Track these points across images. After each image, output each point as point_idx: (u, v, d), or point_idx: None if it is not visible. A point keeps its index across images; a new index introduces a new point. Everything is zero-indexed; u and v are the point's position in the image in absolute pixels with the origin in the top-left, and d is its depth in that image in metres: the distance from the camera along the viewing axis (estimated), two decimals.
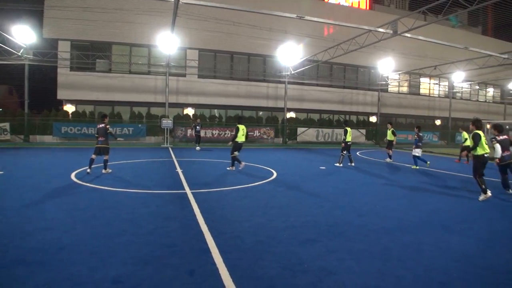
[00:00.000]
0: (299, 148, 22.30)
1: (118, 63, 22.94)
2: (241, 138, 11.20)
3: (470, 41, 28.51)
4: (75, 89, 22.28)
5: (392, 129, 15.50)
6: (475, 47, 19.88)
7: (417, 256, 4.42)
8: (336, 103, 28.34)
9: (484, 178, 8.07)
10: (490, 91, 38.37)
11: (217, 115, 25.49)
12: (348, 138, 13.21)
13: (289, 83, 25.50)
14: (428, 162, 13.34)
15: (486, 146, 8.11)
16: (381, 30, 16.25)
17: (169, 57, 21.99)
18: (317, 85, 27.30)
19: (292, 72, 24.27)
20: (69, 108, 22.57)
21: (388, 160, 15.51)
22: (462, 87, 35.54)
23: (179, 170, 10.73)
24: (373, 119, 30.18)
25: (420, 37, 17.43)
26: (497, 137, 8.73)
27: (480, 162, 8.03)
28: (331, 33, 26.03)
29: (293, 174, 10.93)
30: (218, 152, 17.13)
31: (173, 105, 23.40)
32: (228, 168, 11.28)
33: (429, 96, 33.66)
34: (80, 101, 22.73)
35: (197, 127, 18.70)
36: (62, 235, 4.69)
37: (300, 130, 25.57)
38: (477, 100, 37.35)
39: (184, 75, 24.02)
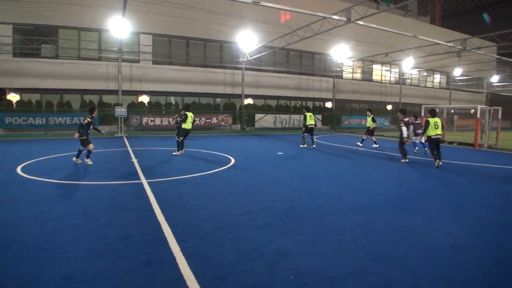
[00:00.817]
0: (257, 134, 22.48)
1: (66, 48, 21.61)
2: (188, 125, 11.71)
3: (419, 29, 29.79)
4: (19, 77, 20.73)
5: (372, 115, 16.28)
6: (424, 36, 20.84)
7: (369, 234, 4.65)
8: (293, 89, 28.73)
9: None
10: (437, 77, 40.60)
11: (173, 102, 24.92)
12: (309, 122, 14.73)
13: (246, 69, 25.46)
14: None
15: (437, 130, 10.21)
16: (335, 17, 16.55)
17: (121, 42, 21.06)
18: (274, 71, 27.45)
19: (249, 58, 24.19)
20: (13, 97, 21.03)
21: (374, 145, 16.07)
22: (411, 74, 37.25)
23: (134, 160, 10.44)
24: (328, 104, 30.95)
25: (373, 25, 17.98)
26: (404, 119, 11.35)
27: (431, 141, 10.34)
28: (288, 19, 26.17)
29: (251, 160, 11.01)
30: (174, 140, 16.79)
31: (126, 92, 22.54)
32: (174, 154, 11.56)
33: (381, 82, 35.01)
34: (25, 89, 21.20)
35: (179, 119, 18.05)
36: (8, 232, 4.42)
37: (258, 116, 25.72)
38: (425, 86, 39.38)
39: (137, 61, 23.15)
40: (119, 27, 17.96)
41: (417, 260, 3.93)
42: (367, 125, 16.58)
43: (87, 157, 9.67)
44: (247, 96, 26.29)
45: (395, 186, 7.91)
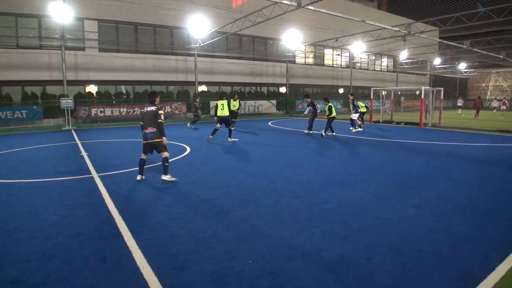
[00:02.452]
0: (212, 121, 22.19)
1: (2, 36, 19.88)
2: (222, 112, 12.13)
3: (367, 14, 30.76)
4: None
5: (353, 101, 16.70)
6: (371, 21, 21.53)
7: (324, 214, 4.84)
8: (247, 75, 28.64)
9: None
10: (385, 61, 42.25)
11: (124, 91, 23.92)
12: (220, 113, 12.77)
13: (199, 55, 24.93)
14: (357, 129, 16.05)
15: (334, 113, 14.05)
16: (286, 2, 16.61)
17: (63, 29, 19.75)
18: (227, 57, 27.15)
19: (201, 45, 23.70)
20: None
21: (353, 129, 16.50)
22: (361, 58, 38.48)
23: (84, 154, 9.96)
24: (282, 89, 31.28)
25: (323, 10, 18.27)
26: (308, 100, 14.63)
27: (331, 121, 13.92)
28: (240, 4, 25.87)
29: (207, 148, 10.93)
30: (127, 131, 16.26)
31: (72, 82, 21.27)
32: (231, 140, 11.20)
33: (332, 66, 35.84)
34: None
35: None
36: None
37: (212, 103, 25.44)
38: (374, 70, 40.89)
39: (83, 49, 21.85)
40: (61, 13, 16.81)
41: (369, 234, 4.15)
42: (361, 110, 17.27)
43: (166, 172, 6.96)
44: (200, 83, 25.85)
45: (349, 166, 8.23)
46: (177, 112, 23.60)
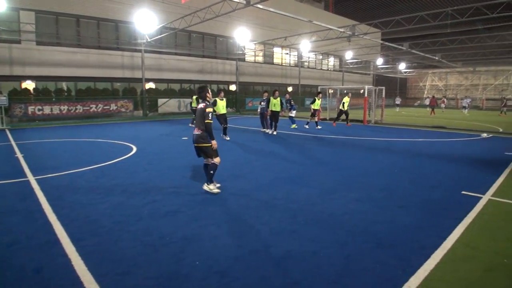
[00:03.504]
0: (161, 120, 21.70)
1: None
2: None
3: (314, 15, 31.61)
4: None
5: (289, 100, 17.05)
6: (318, 21, 22.17)
7: (272, 211, 4.90)
8: (196, 73, 28.23)
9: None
10: (331, 60, 43.75)
11: (65, 88, 22.50)
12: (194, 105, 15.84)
13: (146, 51, 24.11)
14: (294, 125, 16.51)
15: (276, 107, 13.56)
16: None
17: None
18: (176, 54, 26.56)
19: (149, 40, 22.93)
20: None
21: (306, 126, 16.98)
22: (309, 57, 39.52)
23: (19, 155, 9.23)
24: (232, 87, 31.25)
25: (271, 9, 18.52)
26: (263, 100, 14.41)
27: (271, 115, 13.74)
28: (188, 0, 25.38)
29: (154, 147, 10.62)
30: (68, 130, 15.34)
31: (7, 78, 19.62)
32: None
33: (281, 65, 36.44)
34: None
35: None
36: None
37: (160, 101, 24.78)
38: (321, 69, 42.18)
39: (18, 42, 20.20)
40: None
41: (314, 229, 4.28)
42: (314, 107, 17.26)
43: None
44: (148, 80, 25.04)
45: (297, 162, 8.42)
46: (123, 110, 22.67)
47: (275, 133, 13.79)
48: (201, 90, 5.78)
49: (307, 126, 16.85)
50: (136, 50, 23.92)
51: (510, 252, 3.75)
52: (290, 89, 37.29)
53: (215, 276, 3.15)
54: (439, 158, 9.27)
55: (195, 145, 5.64)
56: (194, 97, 16.54)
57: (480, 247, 3.87)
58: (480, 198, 5.65)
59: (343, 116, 18.44)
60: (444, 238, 4.04)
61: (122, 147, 10.48)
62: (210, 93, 5.81)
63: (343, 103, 18.01)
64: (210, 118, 5.50)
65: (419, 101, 54.22)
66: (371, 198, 5.58)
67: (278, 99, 13.67)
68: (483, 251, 3.76)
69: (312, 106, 17.19)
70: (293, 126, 16.47)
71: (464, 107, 33.16)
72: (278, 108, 13.65)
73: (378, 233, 4.20)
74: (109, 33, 23.52)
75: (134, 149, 10.09)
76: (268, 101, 14.07)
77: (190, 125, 17.18)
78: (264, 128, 14.79)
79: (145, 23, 20.77)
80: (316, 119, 17.43)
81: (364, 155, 9.76)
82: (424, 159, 9.16)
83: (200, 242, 3.87)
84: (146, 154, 9.39)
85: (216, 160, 5.65)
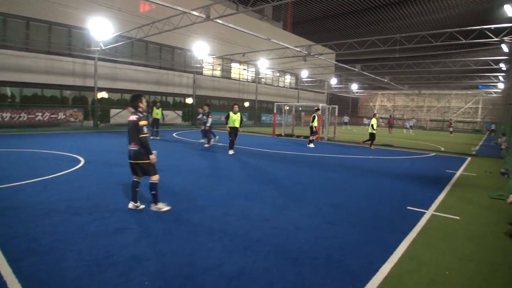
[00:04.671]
0: (113, 131, 20.89)
1: None
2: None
3: (273, 33, 32.24)
4: None
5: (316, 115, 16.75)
6: (276, 39, 22.72)
7: (225, 227, 4.84)
8: (152, 84, 27.67)
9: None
10: (288, 78, 44.86)
11: (9, 94, 21.02)
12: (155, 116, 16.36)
13: (100, 59, 23.27)
14: (217, 137, 16.36)
15: (235, 123, 12.23)
16: (195, 13, 16.61)
17: None
18: (132, 63, 25.93)
19: (103, 48, 22.19)
20: None
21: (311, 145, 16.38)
22: (266, 74, 40.22)
23: None
24: (189, 100, 30.95)
25: (231, 25, 18.74)
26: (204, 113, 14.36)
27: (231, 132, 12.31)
28: (147, 10, 25.03)
29: (104, 159, 10.15)
30: (10, 140, 14.27)
31: None
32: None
33: (239, 80, 36.77)
34: None
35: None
36: None
37: (113, 111, 23.93)
38: (278, 86, 43.06)
39: None
40: None
41: (267, 245, 4.28)
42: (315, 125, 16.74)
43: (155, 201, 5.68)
44: (101, 89, 24.13)
45: (250, 178, 8.43)
46: (72, 119, 21.59)
47: (232, 152, 12.33)
48: (133, 98, 5.32)
49: (312, 145, 16.29)
50: (89, 58, 23.00)
51: (451, 264, 3.98)
52: (247, 104, 37.63)
53: None
54: (386, 175, 9.71)
55: (131, 161, 5.32)
56: (156, 108, 16.76)
57: (424, 260, 4.07)
58: (424, 213, 5.98)
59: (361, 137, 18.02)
60: (391, 252, 4.21)
61: (69, 159, 9.91)
62: (145, 102, 5.40)
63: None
64: (145, 132, 5.18)
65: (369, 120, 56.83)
66: (321, 214, 5.70)
67: (238, 114, 12.31)
68: (426, 264, 3.96)
69: (313, 124, 16.69)
70: (203, 140, 15.72)
71: (407, 127, 36.22)
72: (237, 125, 12.29)
73: (329, 248, 4.28)
74: (61, 38, 22.44)
75: (82, 161, 9.57)
76: (228, 117, 12.57)
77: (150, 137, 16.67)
78: (204, 139, 15.04)
79: (100, 30, 20.13)
80: (315, 137, 16.86)
81: (316, 171, 10.00)
82: (372, 176, 9.55)
83: (149, 260, 3.72)
84: (94, 167, 8.94)
85: (155, 178, 5.37)
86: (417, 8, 29.44)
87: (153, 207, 5.44)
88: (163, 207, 5.44)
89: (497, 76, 36.14)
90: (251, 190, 7.20)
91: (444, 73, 39.63)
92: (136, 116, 5.18)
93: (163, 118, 17.04)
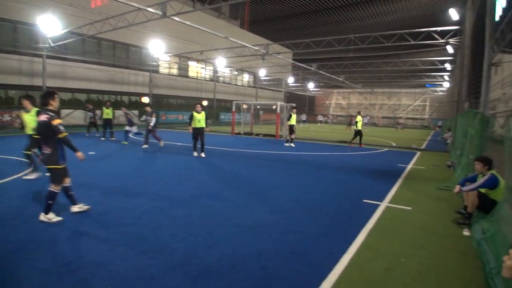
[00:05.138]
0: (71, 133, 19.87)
1: None
2: None
3: (230, 32, 32.18)
4: None
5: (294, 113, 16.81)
6: (234, 38, 22.71)
7: (188, 227, 4.80)
8: (106, 83, 26.64)
9: None
10: (246, 76, 45.02)
11: None
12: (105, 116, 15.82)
13: (49, 57, 22.01)
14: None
15: (201, 123, 11.50)
16: (150, 10, 16.23)
17: None
18: (84, 61, 24.80)
19: (52, 45, 21.04)
20: None
21: (291, 144, 16.37)
22: (224, 72, 40.11)
23: None
24: (145, 99, 30.11)
25: (187, 22, 18.49)
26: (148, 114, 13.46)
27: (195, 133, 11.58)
28: (99, 5, 24.01)
29: None
30: None
31: None
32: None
33: (197, 79, 36.38)
34: None
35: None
36: None
37: (64, 112, 22.80)
38: (236, 84, 43.10)
39: None
40: None
41: (231, 243, 4.31)
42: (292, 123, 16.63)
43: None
44: (50, 89, 22.88)
45: (212, 177, 8.40)
46: (19, 121, 20.23)
47: (203, 155, 11.63)
48: (45, 95, 4.82)
49: (290, 145, 16.36)
50: (36, 55, 21.68)
51: (406, 252, 4.24)
52: (205, 103, 37.33)
53: None
54: (343, 170, 10.08)
55: (46, 166, 4.86)
56: (106, 108, 16.08)
57: (381, 249, 4.30)
58: (379, 205, 6.29)
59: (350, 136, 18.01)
60: (350, 243, 4.40)
61: (17, 162, 9.32)
62: (57, 100, 4.89)
63: (357, 122, 17.21)
64: (62, 130, 4.70)
65: (323, 118, 58.51)
66: (283, 210, 5.82)
67: (203, 113, 11.65)
68: (383, 253, 4.18)
69: (289, 122, 16.64)
70: (126, 142, 14.49)
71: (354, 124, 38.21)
72: (203, 124, 11.61)
73: (291, 242, 4.39)
74: (6, 34, 21.00)
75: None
76: (192, 117, 11.66)
77: (102, 138, 16.08)
78: (126, 141, 14.35)
79: (49, 26, 19.07)
80: (293, 136, 16.74)
81: (275, 168, 10.17)
82: (330, 171, 9.88)
83: (111, 265, 3.61)
84: (43, 171, 8.47)
85: (57, 188, 4.78)
86: (371, 10, 30.73)
87: (42, 217, 4.75)
88: (53, 218, 4.77)
89: (443, 75, 38.58)
90: (212, 189, 7.18)
91: (394, 72, 41.72)
92: (47, 116, 4.64)
93: (114, 117, 16.26)
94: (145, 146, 13.46)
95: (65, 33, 20.77)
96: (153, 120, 13.47)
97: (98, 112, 17.33)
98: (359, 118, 17.31)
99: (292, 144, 16.47)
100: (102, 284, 3.21)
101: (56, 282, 3.24)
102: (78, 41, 23.11)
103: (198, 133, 11.61)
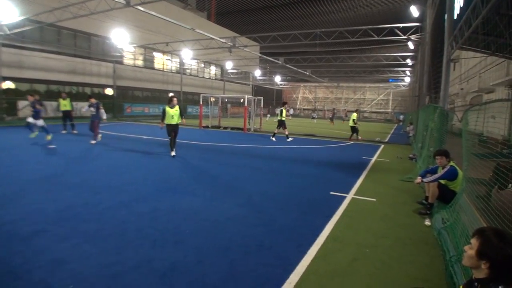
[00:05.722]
0: (22, 125, 18.83)
1: None
2: None
3: (197, 23, 31.66)
4: None
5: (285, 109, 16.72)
6: (201, 30, 22.30)
7: (154, 222, 4.68)
8: (67, 73, 25.41)
9: None
10: (213, 69, 44.50)
11: None
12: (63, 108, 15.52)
13: (4, 45, 20.70)
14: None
15: (174, 119, 10.25)
16: None
17: None
18: (42, 51, 23.51)
19: (8, 33, 19.76)
20: None
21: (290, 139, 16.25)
22: (191, 65, 39.44)
23: None
24: (109, 91, 29.11)
25: (152, 12, 17.92)
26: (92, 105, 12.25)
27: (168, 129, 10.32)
28: None
29: (11, 157, 9.11)
30: None
31: None
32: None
33: (163, 71, 35.53)
34: None
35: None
36: None
37: (22, 103, 21.58)
38: (203, 77, 42.53)
39: None
40: None
41: (199, 237, 4.25)
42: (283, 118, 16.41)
43: None
44: (5, 79, 21.57)
45: (178, 171, 8.26)
46: None
47: (173, 153, 10.32)
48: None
49: (290, 139, 16.26)
50: None
51: (370, 242, 4.35)
52: (171, 95, 36.64)
53: None
54: (310, 163, 10.22)
55: None
56: (62, 99, 15.71)
57: (346, 240, 4.39)
58: (345, 197, 6.43)
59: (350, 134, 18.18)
60: (317, 235, 4.46)
61: None
62: None
63: (353, 119, 17.65)
64: None
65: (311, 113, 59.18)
66: (251, 203, 5.81)
67: (177, 108, 10.36)
68: (348, 244, 4.27)
69: (280, 117, 16.36)
70: (33, 135, 12.72)
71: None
72: (177, 120, 10.38)
73: (259, 235, 4.39)
74: None
75: None
76: (164, 113, 10.32)
77: (63, 131, 15.35)
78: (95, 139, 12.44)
79: (5, 12, 17.89)
80: (287, 132, 16.46)
81: (244, 161, 10.15)
82: (297, 164, 9.99)
83: (72, 263, 3.45)
84: (1, 165, 8.00)
85: None
86: (337, 5, 31.25)
87: None
88: None
89: (405, 71, 39.96)
90: (179, 183, 7.05)
91: (359, 67, 42.68)
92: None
93: (72, 108, 15.57)
94: (93, 142, 12.25)
95: (22, 20, 19.57)
96: (101, 112, 12.47)
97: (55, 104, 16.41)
98: (354, 115, 17.86)
99: (291, 138, 16.49)
100: (62, 284, 3.06)
101: (11, 282, 3.05)
102: (36, 29, 21.85)
103: (171, 129, 10.32)
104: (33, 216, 4.73)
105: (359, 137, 18.02)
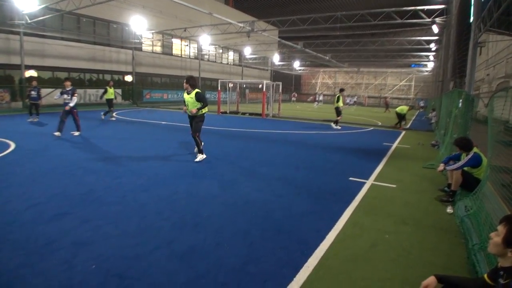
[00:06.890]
0: (45, 112, 19.31)
1: None
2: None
3: (215, 8, 31.42)
4: None
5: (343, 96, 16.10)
6: (219, 14, 22.14)
7: (173, 205, 4.76)
8: (87, 61, 25.79)
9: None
10: (231, 55, 44.28)
11: None
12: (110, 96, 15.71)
13: (26, 34, 21.11)
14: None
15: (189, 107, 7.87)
16: None
17: None
18: (63, 39, 23.88)
19: (29, 22, 20.13)
20: None
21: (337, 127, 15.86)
22: (209, 50, 39.34)
23: None
24: (128, 78, 29.46)
25: None
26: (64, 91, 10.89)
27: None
28: None
29: (38, 143, 9.36)
30: None
31: None
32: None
33: (181, 57, 35.60)
34: None
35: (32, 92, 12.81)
36: None
37: (44, 91, 22.05)
38: (221, 62, 42.42)
39: None
40: None
41: (218, 221, 4.29)
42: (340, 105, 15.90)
43: None
44: (29, 67, 22.08)
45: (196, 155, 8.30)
46: None
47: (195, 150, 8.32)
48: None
49: (337, 127, 15.82)
50: (13, 32, 20.75)
51: (390, 228, 4.28)
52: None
53: (114, 280, 2.92)
54: (329, 149, 10.12)
55: None
56: (109, 87, 15.85)
57: (366, 225, 4.34)
58: (365, 183, 6.34)
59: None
60: (336, 221, 4.43)
61: None
62: None
63: (402, 109, 17.30)
64: None
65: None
66: (270, 188, 5.81)
67: (193, 93, 7.73)
68: (368, 229, 4.22)
69: (337, 105, 15.72)
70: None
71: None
72: (191, 109, 7.72)
73: (278, 220, 4.39)
74: None
75: (12, 145, 8.77)
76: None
77: (103, 116, 15.61)
78: (59, 131, 10.43)
79: (25, 1, 18.20)
80: (339, 118, 15.96)
81: (262, 146, 10.13)
82: (316, 150, 9.90)
83: (94, 244, 3.54)
84: (27, 151, 8.23)
85: None
86: None
87: None
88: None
89: (428, 55, 38.72)
90: (198, 167, 7.12)
91: (381, 51, 41.65)
92: None
93: (115, 97, 16.06)
94: (58, 133, 10.42)
95: (42, 9, 19.88)
96: (74, 100, 10.70)
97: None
98: (405, 108, 17.40)
99: (339, 127, 15.88)
100: (86, 265, 3.14)
101: (37, 263, 3.15)
102: (56, 17, 22.18)
103: (190, 119, 8.17)
104: (57, 198, 4.87)
105: (402, 124, 17.42)
